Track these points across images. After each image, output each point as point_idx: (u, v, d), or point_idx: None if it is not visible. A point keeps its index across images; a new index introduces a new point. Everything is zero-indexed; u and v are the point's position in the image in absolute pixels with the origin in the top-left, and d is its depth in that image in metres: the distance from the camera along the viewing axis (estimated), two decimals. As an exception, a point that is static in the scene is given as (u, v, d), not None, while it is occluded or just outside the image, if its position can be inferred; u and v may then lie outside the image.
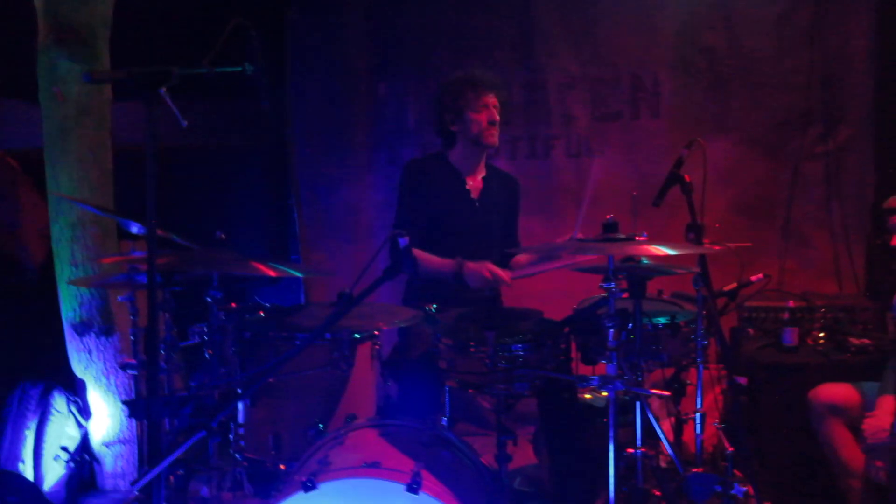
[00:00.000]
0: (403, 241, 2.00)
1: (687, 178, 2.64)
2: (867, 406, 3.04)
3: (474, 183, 3.35)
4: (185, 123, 1.87)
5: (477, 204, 3.33)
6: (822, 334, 3.62)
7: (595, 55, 4.49)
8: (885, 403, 2.96)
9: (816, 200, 4.37)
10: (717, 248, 2.70)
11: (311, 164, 4.72)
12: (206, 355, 2.47)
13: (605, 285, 2.28)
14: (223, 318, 2.68)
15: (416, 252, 3.15)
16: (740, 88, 4.40)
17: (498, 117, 3.26)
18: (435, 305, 2.97)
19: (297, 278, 4.48)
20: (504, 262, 3.31)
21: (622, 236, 2.35)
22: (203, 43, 2.12)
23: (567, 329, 2.66)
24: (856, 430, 3.05)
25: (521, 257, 3.39)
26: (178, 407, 2.11)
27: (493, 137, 3.27)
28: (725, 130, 4.39)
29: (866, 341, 3.50)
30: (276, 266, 2.33)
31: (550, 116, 4.54)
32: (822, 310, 3.68)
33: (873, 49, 4.24)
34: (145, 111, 1.83)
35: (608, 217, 2.38)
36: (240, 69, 2.04)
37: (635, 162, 4.46)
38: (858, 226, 4.32)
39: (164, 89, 1.80)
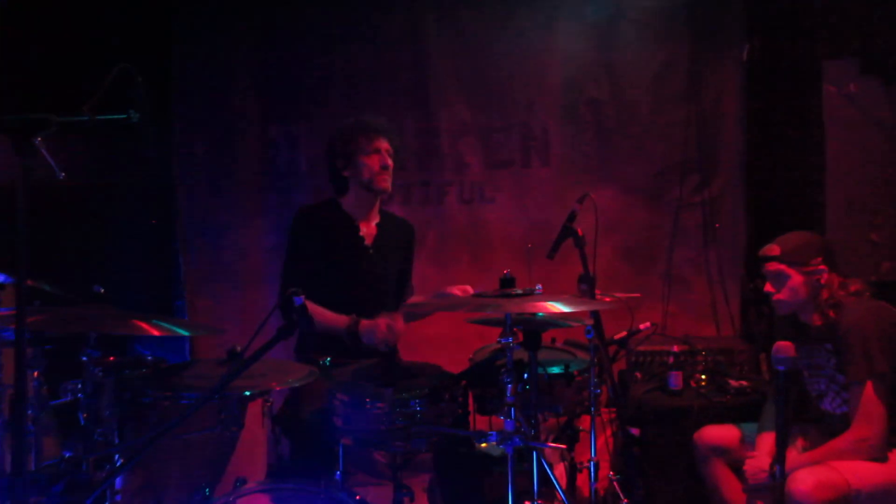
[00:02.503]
0: (299, 300, 1.94)
1: (580, 231, 2.70)
2: (748, 446, 3.17)
3: (368, 229, 3.31)
4: (61, 175, 1.75)
5: (371, 251, 3.29)
6: (703, 377, 3.75)
7: (487, 103, 4.56)
8: (764, 442, 3.07)
9: (695, 247, 4.55)
10: (608, 300, 2.77)
11: (197, 206, 4.54)
12: (81, 419, 2.29)
13: (503, 340, 2.28)
14: (100, 374, 2.52)
15: (310, 305, 3.09)
16: (623, 139, 4.55)
17: (391, 162, 3.25)
18: (329, 358, 2.91)
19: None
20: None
21: (519, 291, 2.36)
22: (89, 83, 2.00)
23: (464, 382, 2.65)
24: (738, 470, 3.16)
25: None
26: (47, 485, 1.93)
27: (386, 182, 3.25)
28: (610, 179, 4.52)
29: (744, 383, 3.64)
30: (161, 324, 2.20)
31: (444, 163, 4.57)
32: (703, 353, 3.83)
33: (742, 105, 4.49)
34: (19, 161, 1.70)
35: (505, 272, 2.40)
36: (124, 116, 1.94)
37: (527, 209, 4.54)
38: (733, 271, 4.52)
39: (38, 139, 1.67)
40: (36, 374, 2.55)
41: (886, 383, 2.75)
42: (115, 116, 1.92)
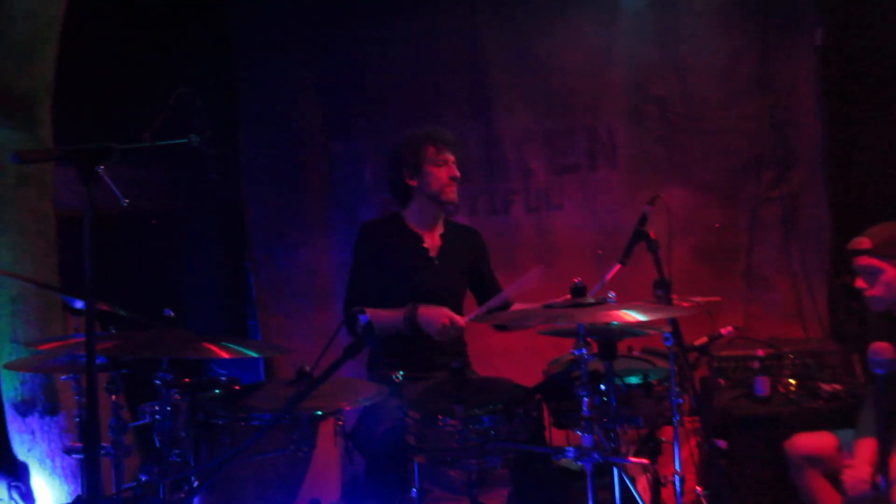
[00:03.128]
0: (364, 318, 1.90)
1: (652, 234, 2.60)
2: (845, 454, 2.99)
3: (432, 241, 3.26)
4: (125, 202, 1.76)
5: (436, 262, 3.24)
6: (792, 381, 3.58)
7: (549, 107, 4.47)
8: (863, 449, 2.90)
9: (775, 244, 4.37)
10: (686, 305, 2.65)
11: (266, 226, 4.59)
12: (157, 441, 2.31)
13: (576, 352, 2.20)
14: (176, 395, 2.54)
15: (370, 310, 3.06)
16: (693, 136, 4.41)
17: (458, 173, 3.20)
18: (401, 372, 2.88)
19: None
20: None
21: (591, 301, 2.27)
22: (154, 108, 2.03)
23: (538, 396, 2.57)
24: (835, 479, 2.99)
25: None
26: (123, 510, 1.95)
27: (454, 194, 3.20)
28: (681, 178, 4.38)
29: (837, 387, 3.47)
30: (231, 346, 2.20)
31: (508, 170, 4.50)
32: (791, 356, 3.66)
33: (819, 91, 4.30)
34: (84, 190, 1.71)
35: (576, 281, 2.31)
36: (185, 141, 1.95)
37: (596, 214, 4.43)
38: (819, 268, 4.32)
39: (101, 167, 1.68)
40: (114, 397, 2.58)
41: None
42: (176, 141, 1.92)
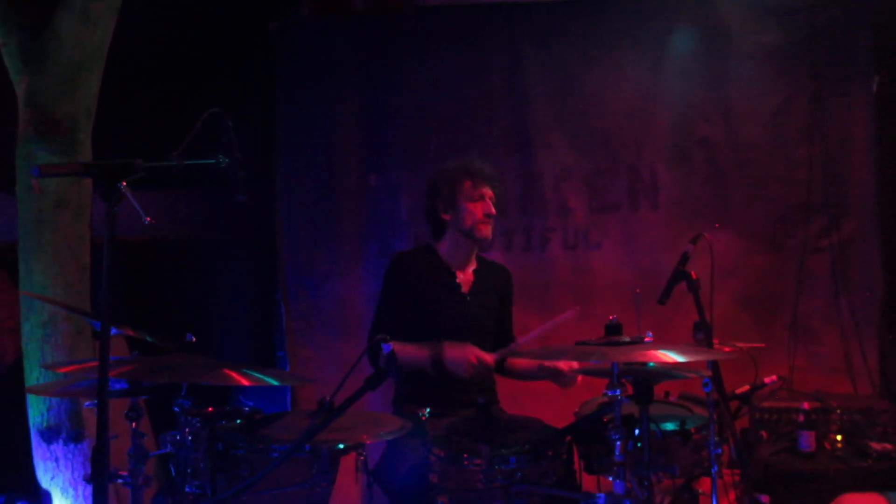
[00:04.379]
0: (387, 347, 1.82)
1: (693, 274, 2.49)
2: (896, 519, 2.81)
3: (465, 276, 3.19)
4: (146, 220, 1.72)
5: (468, 298, 3.16)
6: (839, 438, 3.40)
7: (590, 145, 4.41)
8: (915, 515, 2.73)
9: (824, 295, 4.22)
10: (727, 349, 2.52)
11: (299, 256, 4.56)
12: (172, 470, 2.24)
13: (609, 392, 2.09)
14: (197, 424, 2.49)
15: (395, 344, 2.98)
16: (739, 181, 4.31)
17: (494, 210, 3.13)
18: (428, 409, 2.78)
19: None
20: (500, 366, 3.13)
21: (627, 339, 2.17)
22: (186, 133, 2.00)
23: (569, 438, 2.46)
24: (884, 546, 2.80)
25: (519, 362, 3.20)
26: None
27: (487, 231, 3.12)
28: (726, 223, 4.27)
29: (888, 446, 3.29)
30: (251, 374, 2.13)
31: (546, 207, 4.42)
32: (838, 411, 3.48)
33: (874, 140, 4.18)
34: (107, 206, 1.68)
35: (611, 318, 2.21)
36: (213, 161, 1.92)
37: (635, 254, 4.33)
38: (869, 321, 4.16)
39: (124, 183, 1.65)
40: (134, 424, 2.52)
41: None
42: (204, 161, 1.89)
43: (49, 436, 3.38)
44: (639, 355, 2.14)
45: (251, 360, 4.53)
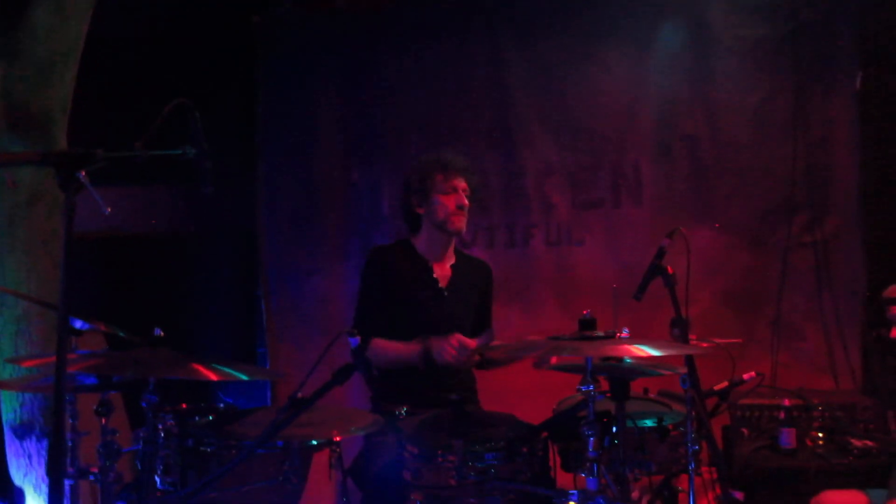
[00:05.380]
0: (354, 342, 1.79)
1: (670, 269, 2.47)
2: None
3: (442, 271, 3.17)
4: (106, 210, 1.68)
5: (445, 293, 3.14)
6: (821, 435, 3.38)
7: (574, 142, 4.37)
8: (895, 511, 2.72)
9: (807, 291, 4.19)
10: (704, 345, 2.50)
11: (280, 252, 4.52)
12: (138, 466, 2.21)
13: (583, 388, 2.06)
14: (170, 421, 2.46)
15: (380, 342, 2.98)
16: (722, 177, 4.28)
17: (466, 202, 3.10)
18: (405, 408, 2.77)
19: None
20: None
21: (600, 334, 2.14)
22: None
23: (545, 434, 2.43)
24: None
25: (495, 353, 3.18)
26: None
27: (460, 223, 3.10)
28: (709, 219, 4.25)
29: (869, 443, 3.26)
30: (219, 368, 2.10)
31: (529, 204, 4.38)
32: (820, 408, 3.45)
33: (857, 136, 4.16)
34: (64, 196, 1.64)
35: (585, 312, 2.18)
36: (179, 152, 1.88)
37: (618, 251, 4.30)
38: (852, 317, 4.13)
39: (83, 173, 1.61)
40: (104, 420, 2.48)
41: None
42: (170, 152, 1.85)
43: (22, 432, 3.34)
44: (612, 350, 2.11)
45: (232, 357, 4.52)
